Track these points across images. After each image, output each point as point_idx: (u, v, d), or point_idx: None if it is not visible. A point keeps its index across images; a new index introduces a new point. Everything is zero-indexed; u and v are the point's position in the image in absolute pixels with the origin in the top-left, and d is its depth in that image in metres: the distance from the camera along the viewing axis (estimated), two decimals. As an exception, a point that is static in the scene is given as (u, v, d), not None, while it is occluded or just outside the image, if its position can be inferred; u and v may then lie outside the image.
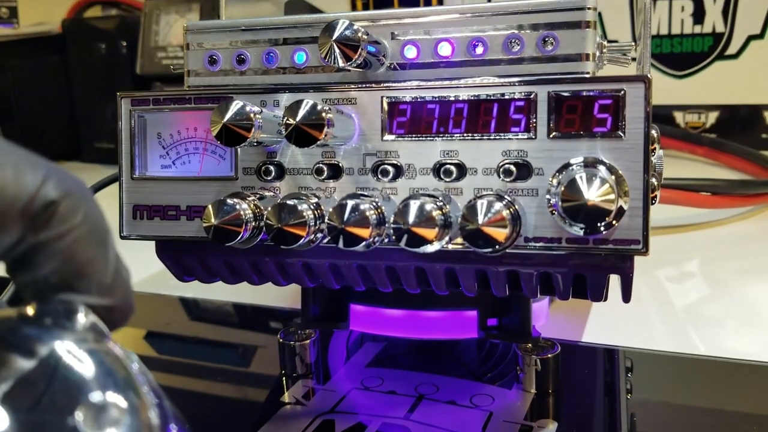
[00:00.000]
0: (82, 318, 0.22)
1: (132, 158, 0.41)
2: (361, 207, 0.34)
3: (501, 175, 0.35)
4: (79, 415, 0.18)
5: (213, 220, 0.36)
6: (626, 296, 0.37)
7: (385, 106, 0.37)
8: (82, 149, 1.29)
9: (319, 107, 0.34)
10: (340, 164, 0.37)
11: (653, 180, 0.35)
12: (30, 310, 0.22)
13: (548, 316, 0.51)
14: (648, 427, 0.41)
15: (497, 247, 0.33)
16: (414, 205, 0.33)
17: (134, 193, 0.41)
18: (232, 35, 0.40)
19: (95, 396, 0.19)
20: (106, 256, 0.24)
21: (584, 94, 0.34)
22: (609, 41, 0.38)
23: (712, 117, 1.15)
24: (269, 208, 0.36)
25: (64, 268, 0.23)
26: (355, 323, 0.46)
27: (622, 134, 0.33)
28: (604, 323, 0.53)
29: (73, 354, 0.20)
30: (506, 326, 0.44)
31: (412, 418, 0.40)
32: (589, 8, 0.35)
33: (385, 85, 0.37)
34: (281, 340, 0.45)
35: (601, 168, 0.33)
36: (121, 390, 0.20)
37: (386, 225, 0.35)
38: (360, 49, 0.35)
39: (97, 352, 0.21)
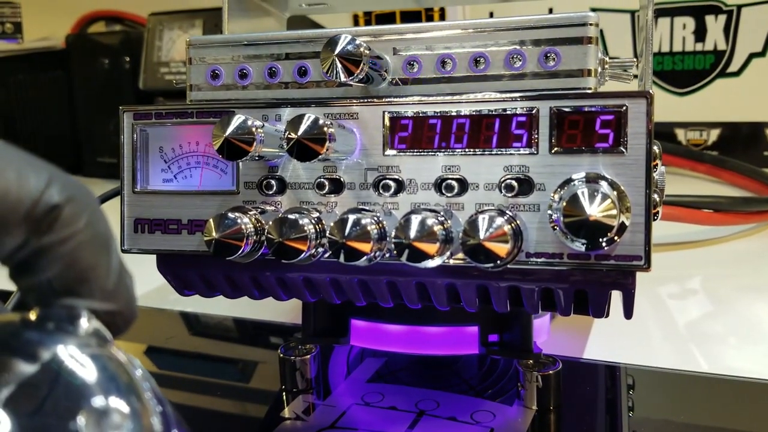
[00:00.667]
0: (85, 323, 0.22)
1: (134, 172, 0.41)
2: (363, 222, 0.34)
3: (502, 191, 0.35)
4: (81, 420, 0.18)
5: (214, 234, 0.36)
6: (628, 313, 0.37)
7: (387, 121, 0.37)
8: (84, 164, 1.29)
9: (320, 122, 0.34)
10: (342, 179, 0.37)
11: (655, 196, 0.35)
12: (32, 315, 0.22)
13: (549, 332, 0.51)
14: (650, 444, 0.41)
15: (498, 262, 0.33)
16: (415, 220, 0.33)
17: (136, 206, 0.41)
18: (235, 50, 0.41)
19: (97, 401, 0.19)
20: (109, 261, 0.24)
21: (586, 109, 0.34)
22: (611, 58, 0.39)
23: (714, 134, 1.15)
24: (270, 223, 0.36)
25: (66, 273, 0.23)
26: (356, 338, 0.46)
27: (624, 150, 0.33)
28: (606, 340, 0.52)
29: (75, 359, 0.20)
30: (507, 342, 0.44)
31: (412, 435, 0.40)
32: (591, 24, 0.35)
33: (387, 100, 0.37)
34: (282, 355, 0.45)
35: (603, 183, 0.33)
36: (123, 395, 0.20)
37: (387, 240, 0.35)
38: (362, 64, 0.35)
39: (99, 357, 0.20)
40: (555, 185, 0.34)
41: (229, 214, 0.36)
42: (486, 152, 0.35)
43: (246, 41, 0.40)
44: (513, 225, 0.34)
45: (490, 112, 0.35)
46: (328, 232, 0.35)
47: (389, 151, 0.37)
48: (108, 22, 1.40)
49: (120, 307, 0.24)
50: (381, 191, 0.37)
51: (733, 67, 1.13)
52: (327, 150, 0.34)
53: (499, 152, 0.35)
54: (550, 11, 1.14)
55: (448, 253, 0.34)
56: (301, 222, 0.35)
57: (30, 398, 0.18)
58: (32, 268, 0.23)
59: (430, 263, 0.34)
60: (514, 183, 0.34)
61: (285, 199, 0.38)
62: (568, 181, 0.34)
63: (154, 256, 0.41)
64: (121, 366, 0.21)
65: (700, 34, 1.13)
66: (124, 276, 0.25)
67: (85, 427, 0.18)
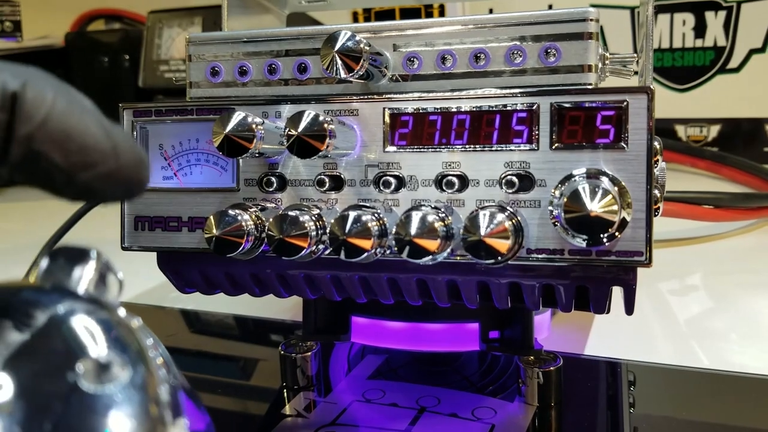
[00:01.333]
0: (84, 284, 0.21)
1: (134, 169, 0.41)
2: (363, 218, 0.34)
3: (503, 187, 0.35)
4: (80, 368, 0.18)
5: (214, 231, 0.36)
6: (629, 308, 0.37)
7: (387, 117, 0.37)
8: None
9: (320, 118, 0.34)
10: (342, 176, 0.37)
11: (656, 192, 0.35)
12: (33, 276, 0.21)
13: (550, 329, 0.51)
14: (651, 440, 0.40)
15: (499, 258, 0.33)
16: (416, 217, 0.33)
17: (136, 204, 0.41)
18: (234, 47, 0.41)
19: (97, 351, 0.19)
20: (95, 119, 0.23)
21: (587, 105, 0.34)
22: (611, 53, 0.38)
23: (714, 130, 1.15)
24: (271, 220, 0.36)
25: (59, 151, 0.22)
26: (357, 335, 0.46)
27: (624, 145, 0.33)
28: (607, 336, 0.52)
29: (75, 317, 0.20)
30: (508, 339, 0.44)
31: (413, 431, 0.40)
32: (591, 20, 0.35)
33: (387, 96, 0.37)
34: (282, 353, 0.45)
35: (604, 179, 0.33)
36: (125, 350, 0.19)
37: (388, 236, 0.35)
38: (362, 61, 0.35)
39: (103, 318, 0.20)
40: (556, 181, 0.34)
41: (230, 211, 0.36)
42: (486, 148, 0.35)
43: (245, 38, 0.40)
44: (514, 221, 0.33)
45: (491, 108, 0.35)
46: (328, 229, 0.35)
47: (389, 148, 0.37)
48: (107, 20, 1.40)
49: (128, 162, 0.23)
50: (381, 188, 0.37)
51: (733, 63, 1.13)
52: (327, 147, 0.34)
53: (500, 148, 0.35)
54: (550, 7, 1.14)
55: (449, 250, 0.34)
56: (301, 219, 0.35)
57: (27, 357, 0.18)
58: (29, 163, 0.21)
59: (431, 260, 0.34)
60: (515, 179, 0.34)
61: (285, 196, 0.38)
62: (569, 177, 0.34)
63: (155, 253, 0.41)
64: (126, 327, 0.20)
65: (700, 30, 1.13)
66: (118, 130, 0.23)
67: (83, 375, 0.18)
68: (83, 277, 0.21)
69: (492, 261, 0.33)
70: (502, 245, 0.33)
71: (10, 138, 0.21)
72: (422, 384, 0.45)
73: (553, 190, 0.34)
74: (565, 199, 0.32)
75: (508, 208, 0.34)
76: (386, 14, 1.20)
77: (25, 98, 0.21)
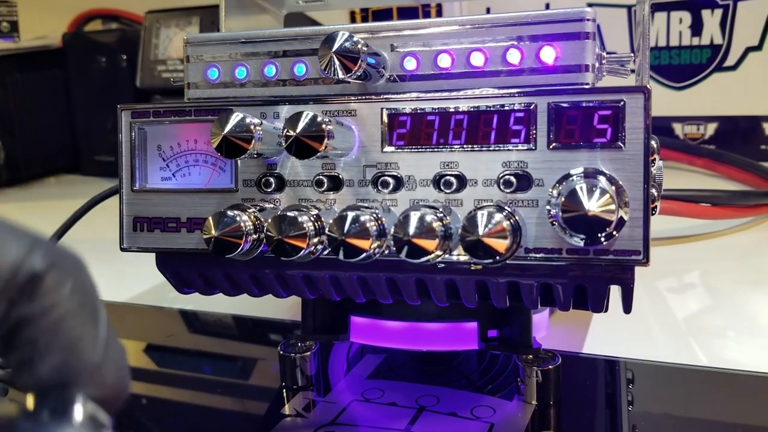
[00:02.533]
0: (80, 409, 0.21)
1: (132, 170, 0.41)
2: (362, 218, 0.34)
3: (501, 186, 0.35)
4: None
5: (213, 231, 0.36)
6: (627, 307, 0.37)
7: (385, 117, 0.37)
8: (82, 162, 1.29)
9: (319, 119, 0.34)
10: (340, 176, 0.37)
11: (653, 190, 0.35)
12: (30, 403, 0.21)
13: (549, 328, 0.51)
14: (650, 438, 0.41)
15: (497, 258, 0.33)
16: (414, 217, 0.33)
17: (134, 205, 0.41)
18: (232, 47, 0.41)
19: None
20: (96, 333, 0.22)
21: (584, 104, 0.34)
22: (608, 53, 0.39)
23: (711, 128, 1.15)
24: (269, 220, 0.36)
25: (49, 347, 0.21)
26: (356, 335, 0.46)
27: (622, 145, 0.33)
28: (605, 334, 0.53)
29: None
30: (507, 338, 0.44)
31: (413, 430, 0.40)
32: (588, 20, 0.35)
33: (385, 96, 0.37)
34: (281, 352, 0.45)
35: (602, 178, 0.33)
36: None
37: (387, 236, 0.35)
38: (360, 61, 0.35)
39: None
40: (553, 181, 0.34)
41: (228, 212, 0.36)
42: (484, 148, 0.35)
43: (243, 39, 0.40)
44: (512, 221, 0.34)
45: (488, 108, 0.35)
46: (327, 229, 0.35)
47: (387, 148, 0.37)
48: (104, 21, 1.40)
49: (108, 382, 0.22)
50: (380, 188, 0.37)
51: (730, 61, 1.13)
52: (325, 147, 0.34)
53: (498, 148, 0.35)
54: (547, 6, 1.14)
55: (447, 249, 0.34)
56: (300, 219, 0.35)
57: None
58: (13, 341, 0.21)
59: (430, 259, 0.34)
60: (513, 179, 0.34)
61: (284, 197, 0.39)
62: (567, 177, 0.34)
63: (153, 254, 0.41)
64: None
65: (697, 28, 1.13)
66: (113, 348, 0.23)
67: None
68: (77, 402, 0.21)
69: (490, 260, 0.33)
70: (501, 245, 0.33)
71: (8, 313, 0.21)
72: (421, 383, 0.45)
73: (550, 190, 0.34)
74: (563, 199, 0.32)
75: (506, 207, 0.34)
76: (383, 14, 1.20)
77: (42, 282, 0.21)
